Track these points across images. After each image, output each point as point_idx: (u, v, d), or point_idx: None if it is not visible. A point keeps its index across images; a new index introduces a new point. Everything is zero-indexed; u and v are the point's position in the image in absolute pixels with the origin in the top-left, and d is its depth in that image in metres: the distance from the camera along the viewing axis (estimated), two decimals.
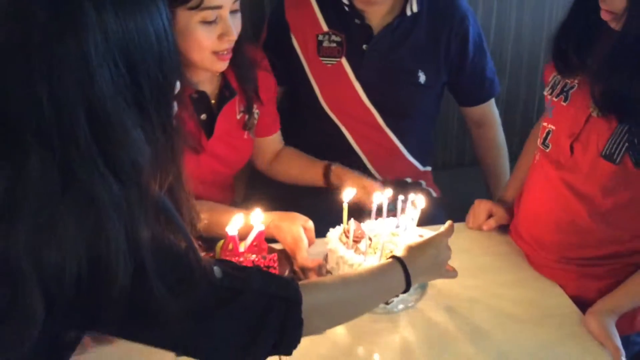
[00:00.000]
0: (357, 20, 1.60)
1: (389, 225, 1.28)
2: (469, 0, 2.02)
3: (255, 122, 1.55)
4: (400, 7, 1.60)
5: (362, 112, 1.65)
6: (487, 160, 1.83)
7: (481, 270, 1.34)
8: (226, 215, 1.27)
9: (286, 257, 1.28)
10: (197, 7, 1.26)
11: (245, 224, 1.22)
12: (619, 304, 1.20)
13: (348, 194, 1.28)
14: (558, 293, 1.28)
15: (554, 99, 1.29)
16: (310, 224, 1.32)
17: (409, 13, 1.59)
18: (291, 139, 1.71)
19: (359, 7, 1.59)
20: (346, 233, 1.25)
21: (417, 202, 1.26)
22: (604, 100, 1.15)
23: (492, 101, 1.78)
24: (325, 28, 1.62)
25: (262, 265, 1.17)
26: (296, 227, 1.30)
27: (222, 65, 1.37)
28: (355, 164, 1.66)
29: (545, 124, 1.33)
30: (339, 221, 1.29)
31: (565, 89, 1.27)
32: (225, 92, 1.47)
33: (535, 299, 1.26)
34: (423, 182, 1.80)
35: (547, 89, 1.33)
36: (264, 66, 1.55)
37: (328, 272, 1.26)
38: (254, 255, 1.18)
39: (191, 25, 1.29)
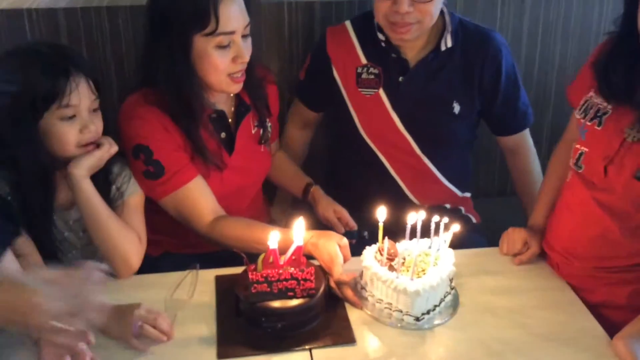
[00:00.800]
0: (393, 55, 1.68)
1: (422, 246, 1.34)
2: (514, 32, 2.11)
3: (270, 134, 1.66)
4: (435, 42, 1.67)
5: (399, 140, 1.72)
6: (523, 188, 1.86)
7: (512, 291, 1.38)
8: (262, 231, 1.36)
9: (323, 271, 1.34)
10: (212, 33, 1.39)
11: (285, 239, 1.29)
12: None
13: (382, 213, 1.34)
14: (587, 317, 1.31)
15: (588, 122, 1.33)
16: (345, 241, 1.38)
17: (443, 48, 1.66)
18: (331, 164, 1.85)
19: (395, 43, 1.67)
20: (381, 251, 1.31)
21: (451, 225, 1.31)
22: None
23: (527, 131, 1.83)
24: (364, 61, 1.71)
25: (299, 278, 1.23)
26: (332, 245, 1.36)
27: (237, 87, 1.49)
28: (392, 189, 1.75)
29: (577, 146, 1.37)
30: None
31: (598, 114, 1.31)
32: (241, 109, 1.58)
33: (564, 321, 1.30)
34: (462, 209, 1.84)
35: (578, 112, 1.37)
36: (270, 80, 1.67)
37: (362, 287, 1.32)
38: (292, 268, 1.24)
39: (208, 50, 1.42)
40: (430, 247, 1.34)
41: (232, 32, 1.42)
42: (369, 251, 1.34)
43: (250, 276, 1.22)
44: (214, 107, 1.55)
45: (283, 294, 1.23)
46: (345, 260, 1.35)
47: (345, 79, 1.73)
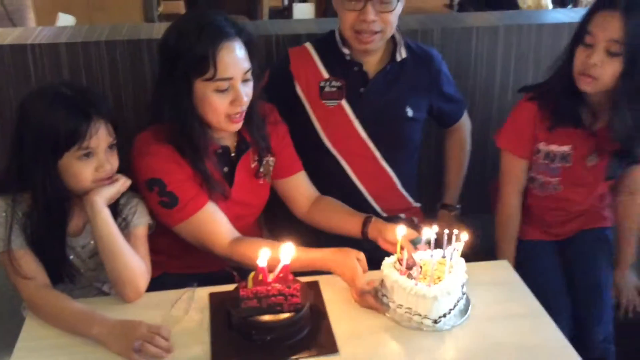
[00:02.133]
0: (355, 68, 1.85)
1: (436, 255, 1.44)
2: (489, 60, 2.24)
3: (271, 168, 1.74)
4: (390, 55, 1.87)
5: (361, 146, 1.88)
6: (457, 155, 2.09)
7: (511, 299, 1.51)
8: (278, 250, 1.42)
9: (309, 287, 1.43)
10: (212, 79, 1.49)
11: (274, 258, 1.36)
12: None
13: (401, 229, 1.46)
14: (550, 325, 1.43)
15: (558, 164, 1.77)
16: (362, 255, 1.49)
17: (398, 59, 1.86)
18: None
19: (357, 58, 1.84)
20: (400, 261, 1.43)
21: (461, 235, 1.43)
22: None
23: (465, 113, 2.07)
24: (326, 75, 1.86)
25: (286, 294, 1.33)
26: (351, 260, 1.46)
27: (236, 127, 1.59)
28: (354, 196, 1.89)
29: (552, 179, 1.80)
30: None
31: (564, 156, 1.75)
32: (241, 146, 1.68)
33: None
34: (415, 219, 1.98)
35: (542, 160, 1.79)
36: (274, 119, 1.74)
37: (384, 295, 1.44)
38: (280, 285, 1.32)
39: (207, 94, 1.51)
40: (444, 257, 1.45)
41: (230, 78, 1.51)
42: (388, 261, 1.45)
43: (241, 293, 1.31)
44: (219, 142, 1.65)
45: (272, 309, 1.32)
46: (363, 272, 1.46)
47: (308, 93, 1.86)
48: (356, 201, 1.85)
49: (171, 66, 1.51)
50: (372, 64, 1.87)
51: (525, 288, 1.53)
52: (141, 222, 1.54)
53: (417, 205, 2.03)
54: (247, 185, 1.71)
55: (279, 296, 1.33)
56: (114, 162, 1.46)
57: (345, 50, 1.84)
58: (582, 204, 1.88)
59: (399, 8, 1.77)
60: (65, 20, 3.02)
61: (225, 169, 1.67)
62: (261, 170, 1.72)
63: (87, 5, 5.34)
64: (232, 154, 1.68)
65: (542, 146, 1.78)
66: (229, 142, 1.68)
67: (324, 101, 1.86)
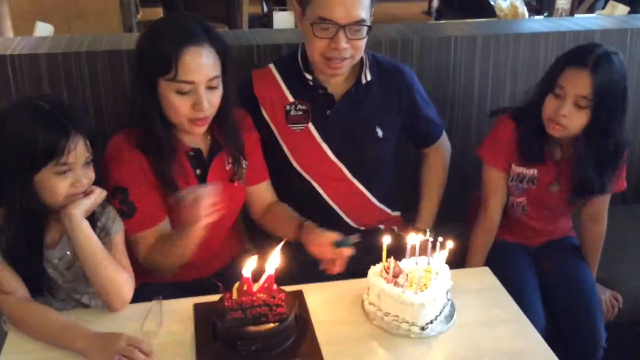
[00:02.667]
0: (320, 91, 1.83)
1: (422, 263, 1.47)
2: (467, 70, 2.27)
3: (244, 171, 1.76)
4: (355, 77, 1.84)
5: (331, 168, 1.86)
6: (433, 181, 2.02)
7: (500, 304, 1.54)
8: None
9: (293, 297, 1.44)
10: (173, 79, 1.52)
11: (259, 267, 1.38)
12: None
13: (387, 239, 1.47)
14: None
15: (525, 186, 1.88)
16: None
17: (363, 81, 1.83)
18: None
19: (321, 82, 1.82)
20: (386, 269, 1.45)
21: (446, 243, 1.46)
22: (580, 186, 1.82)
23: (443, 135, 2.04)
24: (291, 99, 1.83)
25: (271, 304, 1.33)
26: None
27: (199, 130, 1.61)
28: (328, 214, 1.88)
29: (518, 200, 1.91)
30: None
31: (531, 179, 1.86)
32: (214, 148, 1.70)
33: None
34: (395, 228, 1.97)
35: (511, 181, 1.89)
36: (247, 124, 1.77)
37: (371, 303, 1.45)
38: (264, 295, 1.33)
39: (168, 94, 1.54)
40: (428, 264, 1.47)
41: (192, 82, 1.52)
42: (374, 270, 1.47)
43: (226, 303, 1.32)
44: (190, 144, 1.67)
45: (256, 319, 1.33)
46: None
47: (275, 117, 1.84)
48: (332, 219, 1.86)
49: (140, 66, 1.56)
50: (337, 85, 1.84)
51: (506, 294, 1.57)
52: (120, 228, 1.54)
53: (397, 214, 2.03)
54: (223, 189, 1.69)
55: (264, 306, 1.33)
56: (90, 175, 1.46)
57: (308, 76, 1.81)
58: (548, 225, 1.99)
59: (365, 38, 1.74)
60: (43, 29, 3.00)
61: (198, 171, 1.68)
62: (235, 172, 1.73)
63: (65, 13, 5.30)
64: (205, 157, 1.69)
65: (513, 167, 1.87)
66: (202, 144, 1.69)
67: (290, 125, 1.84)
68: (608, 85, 1.67)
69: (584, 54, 1.70)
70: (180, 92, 1.53)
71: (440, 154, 2.04)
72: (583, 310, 1.85)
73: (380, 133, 1.87)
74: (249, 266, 1.35)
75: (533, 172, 1.86)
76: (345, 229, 1.86)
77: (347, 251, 1.58)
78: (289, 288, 1.46)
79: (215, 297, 1.42)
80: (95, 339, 1.34)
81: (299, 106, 1.83)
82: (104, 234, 1.51)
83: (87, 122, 1.46)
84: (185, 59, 1.51)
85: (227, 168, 1.73)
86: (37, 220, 1.45)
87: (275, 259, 1.38)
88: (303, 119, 1.83)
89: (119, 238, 1.53)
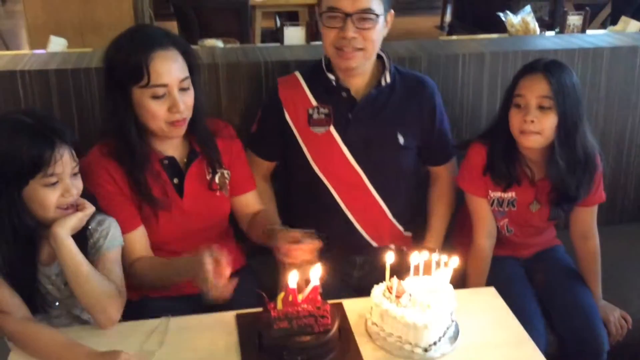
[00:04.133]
0: (343, 94, 1.85)
1: (426, 283, 1.46)
2: (475, 86, 2.27)
3: (227, 181, 1.77)
4: (377, 80, 1.87)
5: (350, 174, 1.87)
6: (443, 200, 2.01)
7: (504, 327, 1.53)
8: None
9: (336, 309, 1.45)
10: (146, 85, 1.56)
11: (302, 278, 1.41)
12: None
13: (390, 257, 1.46)
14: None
15: (505, 209, 1.91)
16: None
17: (383, 84, 1.85)
18: (286, 205, 1.96)
19: (343, 81, 1.84)
20: (389, 289, 1.44)
21: (450, 262, 1.45)
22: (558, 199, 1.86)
23: (452, 162, 2.03)
24: (314, 103, 1.86)
25: (317, 315, 1.36)
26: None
27: (178, 132, 1.65)
28: (345, 224, 1.89)
29: (501, 222, 1.94)
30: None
31: (510, 201, 1.90)
32: (191, 156, 1.72)
33: None
34: (405, 248, 1.94)
35: (492, 206, 1.91)
36: (227, 133, 1.81)
37: (374, 323, 1.44)
38: (310, 306, 1.36)
39: (144, 101, 1.58)
40: (433, 284, 1.46)
41: (165, 85, 1.58)
42: (378, 289, 1.46)
43: (272, 314, 1.34)
44: (164, 153, 1.69)
45: (302, 330, 1.36)
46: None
47: (297, 120, 1.87)
48: (346, 230, 1.88)
49: (109, 78, 1.60)
50: (359, 88, 1.87)
51: (511, 315, 1.55)
52: (113, 244, 1.54)
53: (408, 234, 2.01)
54: (201, 196, 1.73)
55: (310, 317, 1.36)
56: (79, 186, 1.47)
57: (331, 76, 1.85)
58: (534, 239, 2.02)
59: (380, 26, 1.77)
60: (57, 43, 3.04)
61: (176, 180, 1.71)
62: (216, 181, 1.74)
63: (79, 27, 5.38)
64: (182, 165, 1.72)
65: (491, 192, 1.90)
66: (176, 152, 1.72)
67: (312, 128, 1.86)
68: (564, 85, 1.74)
69: (534, 64, 1.81)
70: (156, 97, 1.58)
71: (449, 175, 2.02)
72: (581, 318, 1.84)
73: (401, 140, 1.88)
74: (293, 278, 1.37)
75: (511, 194, 1.89)
76: (359, 241, 1.90)
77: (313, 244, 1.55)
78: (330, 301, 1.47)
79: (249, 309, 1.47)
80: (95, 358, 1.34)
81: (321, 109, 1.86)
82: (95, 251, 1.52)
83: (70, 133, 1.47)
84: (155, 63, 1.56)
85: (208, 177, 1.75)
86: (30, 237, 1.45)
87: (318, 270, 1.39)
88: (325, 122, 1.85)
89: (111, 255, 1.54)
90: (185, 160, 1.73)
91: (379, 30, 1.77)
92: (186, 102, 1.62)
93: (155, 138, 1.67)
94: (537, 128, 1.75)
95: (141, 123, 1.63)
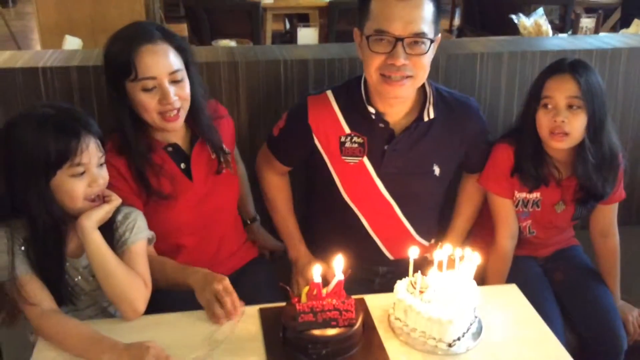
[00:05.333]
0: (381, 124, 1.74)
1: (450, 278, 1.45)
2: (493, 87, 2.27)
3: (229, 159, 1.80)
4: (418, 111, 1.75)
5: (382, 204, 1.81)
6: (471, 202, 1.99)
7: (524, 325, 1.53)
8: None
9: (360, 304, 1.47)
10: (135, 79, 1.58)
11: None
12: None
13: (414, 251, 1.46)
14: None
15: (529, 209, 1.91)
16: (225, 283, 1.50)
17: (426, 119, 1.75)
18: (312, 223, 1.94)
19: (382, 112, 1.73)
20: (413, 284, 1.44)
21: (473, 257, 1.44)
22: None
23: None
24: (347, 130, 1.76)
25: (341, 309, 1.36)
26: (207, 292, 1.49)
27: (173, 126, 1.66)
28: (371, 247, 1.86)
29: (524, 224, 1.94)
30: None
31: (535, 202, 1.89)
32: (192, 141, 1.74)
33: None
34: (428, 256, 1.89)
35: (516, 207, 1.90)
36: (220, 114, 1.83)
37: (397, 319, 1.44)
38: (334, 300, 1.37)
39: (136, 94, 1.60)
40: (456, 279, 1.45)
41: (153, 77, 1.59)
42: (401, 285, 1.46)
43: (297, 307, 1.35)
44: (166, 140, 1.71)
45: (327, 323, 1.36)
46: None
47: (328, 148, 1.78)
48: (369, 248, 1.85)
49: (107, 74, 1.63)
50: (398, 118, 1.75)
51: (534, 312, 1.55)
52: (138, 237, 1.55)
53: (431, 242, 1.96)
54: (210, 177, 1.75)
55: (334, 311, 1.36)
56: (105, 176, 1.49)
57: (371, 109, 1.73)
58: (553, 238, 2.02)
59: (431, 52, 1.65)
60: (72, 42, 3.06)
61: (183, 165, 1.73)
62: (222, 160, 1.76)
63: (92, 28, 5.40)
64: (186, 150, 1.73)
65: (516, 193, 1.90)
66: (178, 139, 1.73)
67: (344, 157, 1.77)
68: (591, 84, 1.75)
69: (558, 64, 1.80)
70: (146, 90, 1.60)
71: (476, 186, 1.97)
72: (601, 318, 1.85)
73: (437, 171, 1.81)
74: (317, 272, 1.38)
75: (536, 195, 1.89)
76: (382, 257, 1.88)
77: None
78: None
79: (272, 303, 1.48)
80: (122, 351, 1.34)
81: (354, 138, 1.76)
82: (121, 243, 1.53)
83: (94, 124, 1.49)
84: (142, 56, 1.58)
85: (213, 157, 1.76)
86: (58, 230, 1.47)
87: (341, 264, 1.40)
88: (358, 152, 1.77)
89: (137, 247, 1.54)
90: (188, 145, 1.75)
91: (430, 56, 1.65)
92: (179, 94, 1.63)
93: (156, 128, 1.69)
94: (567, 128, 1.75)
95: (135, 116, 1.64)
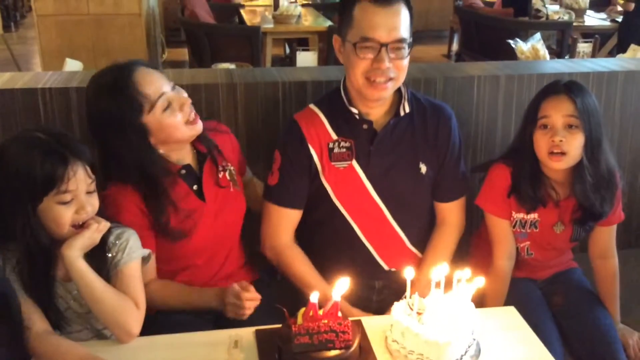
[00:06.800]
0: (364, 126, 1.80)
1: (448, 300, 1.44)
2: (490, 108, 2.28)
3: (235, 176, 1.80)
4: (395, 109, 1.82)
5: (372, 208, 1.83)
6: (438, 256, 1.87)
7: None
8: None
9: (357, 325, 1.45)
10: (150, 109, 1.61)
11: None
12: None
13: (409, 273, 1.43)
14: None
15: (527, 230, 1.91)
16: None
17: (402, 114, 1.81)
18: (306, 237, 1.91)
19: (365, 113, 1.79)
20: (410, 306, 1.43)
21: (472, 279, 1.43)
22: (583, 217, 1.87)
23: (459, 203, 1.91)
24: (334, 137, 1.81)
25: (338, 330, 1.35)
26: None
27: (198, 128, 1.68)
28: (364, 255, 1.85)
29: (522, 245, 1.93)
30: None
31: (532, 223, 1.89)
32: (200, 159, 1.75)
33: None
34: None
35: (514, 227, 1.90)
36: (222, 129, 1.86)
37: (394, 341, 1.43)
38: (331, 322, 1.35)
39: (164, 119, 1.62)
40: (454, 301, 1.44)
41: (162, 94, 1.62)
42: (399, 306, 1.45)
43: (293, 329, 1.33)
44: (180, 163, 1.71)
45: (323, 345, 1.34)
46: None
47: (320, 154, 1.81)
48: (364, 258, 1.85)
49: (111, 119, 1.59)
50: (379, 118, 1.82)
51: (533, 334, 1.54)
52: (132, 258, 1.53)
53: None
54: (219, 196, 1.75)
55: (331, 332, 1.35)
56: (94, 204, 1.47)
57: (354, 110, 1.79)
58: (552, 260, 2.00)
59: (408, 58, 1.75)
60: (72, 65, 3.08)
61: (195, 187, 1.73)
62: (227, 178, 1.77)
63: (92, 51, 5.46)
64: (196, 170, 1.74)
65: (514, 213, 1.89)
66: (189, 160, 1.74)
67: (334, 163, 1.80)
68: (587, 104, 1.77)
69: (554, 85, 1.83)
70: (165, 109, 1.61)
71: (456, 221, 1.91)
72: (600, 342, 1.82)
73: (423, 169, 1.84)
74: (315, 294, 1.37)
75: (534, 216, 1.88)
76: (376, 268, 1.87)
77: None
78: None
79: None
80: None
81: (342, 143, 1.81)
82: (113, 265, 1.51)
83: (85, 150, 1.47)
84: (141, 79, 1.61)
85: (220, 176, 1.77)
86: (46, 254, 1.45)
87: (341, 287, 1.39)
88: (347, 156, 1.81)
89: (129, 269, 1.52)
90: (197, 164, 1.75)
91: (408, 58, 1.76)
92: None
93: (171, 151, 1.68)
94: (565, 148, 1.76)
95: (155, 149, 1.64)
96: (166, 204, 1.64)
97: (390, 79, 1.73)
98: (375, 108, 1.80)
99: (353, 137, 1.81)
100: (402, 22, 1.70)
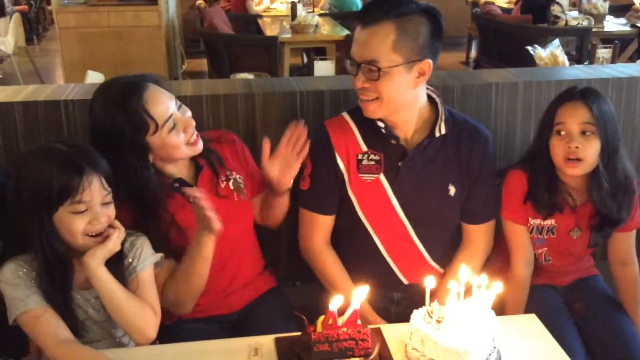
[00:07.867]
0: (393, 141, 1.77)
1: (467, 307, 1.43)
2: (508, 115, 2.27)
3: (242, 185, 1.79)
4: (429, 129, 1.78)
5: (396, 224, 1.81)
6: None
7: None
8: None
9: (376, 334, 1.45)
10: (156, 130, 1.62)
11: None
12: None
13: (430, 281, 1.43)
14: None
15: (545, 236, 1.90)
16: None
17: (437, 135, 1.77)
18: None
19: (391, 128, 1.76)
20: (430, 314, 1.43)
21: (494, 286, 1.43)
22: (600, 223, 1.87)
23: (488, 226, 1.88)
24: (364, 148, 1.79)
25: (357, 338, 1.35)
26: None
27: (198, 148, 1.69)
28: (383, 267, 1.84)
29: (539, 251, 1.93)
30: None
31: (550, 229, 1.89)
32: (197, 171, 1.75)
33: None
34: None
35: (531, 233, 1.90)
36: (229, 138, 1.85)
37: (414, 349, 1.42)
38: (350, 329, 1.36)
39: (167, 139, 1.63)
40: (474, 308, 1.43)
41: (170, 115, 1.63)
42: (418, 314, 1.45)
43: (313, 337, 1.34)
44: (172, 177, 1.71)
45: (343, 353, 1.35)
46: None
47: (348, 165, 1.80)
48: (384, 272, 1.84)
49: (118, 137, 1.60)
50: (409, 136, 1.79)
51: (554, 342, 1.52)
52: (146, 264, 1.56)
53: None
54: (222, 208, 1.69)
55: (350, 340, 1.35)
56: (110, 214, 1.49)
57: (380, 123, 1.76)
58: (571, 266, 1.99)
59: (397, 78, 1.66)
60: (94, 77, 3.14)
61: (191, 200, 1.70)
62: (230, 187, 1.76)
63: (113, 63, 5.54)
64: (192, 183, 1.73)
65: (531, 219, 1.89)
66: (184, 173, 1.74)
67: (361, 175, 1.79)
68: (603, 110, 1.77)
69: (570, 92, 1.83)
70: (171, 130, 1.62)
71: (483, 244, 1.89)
72: (623, 349, 1.81)
73: (452, 191, 1.80)
74: (335, 302, 1.37)
75: (551, 222, 1.89)
76: (395, 282, 1.86)
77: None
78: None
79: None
80: None
81: (371, 156, 1.79)
82: (130, 271, 1.54)
83: (102, 162, 1.50)
84: (151, 104, 1.61)
85: (223, 186, 1.76)
86: (63, 263, 1.47)
87: (360, 294, 1.39)
88: (375, 169, 1.79)
89: (145, 274, 1.55)
90: (193, 177, 1.75)
91: (396, 81, 1.66)
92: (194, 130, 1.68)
93: (166, 165, 1.69)
94: (581, 154, 1.76)
95: (152, 166, 1.66)
96: (162, 219, 1.65)
97: (376, 99, 1.69)
98: (397, 127, 1.77)
99: (382, 150, 1.79)
100: (377, 44, 1.65)
